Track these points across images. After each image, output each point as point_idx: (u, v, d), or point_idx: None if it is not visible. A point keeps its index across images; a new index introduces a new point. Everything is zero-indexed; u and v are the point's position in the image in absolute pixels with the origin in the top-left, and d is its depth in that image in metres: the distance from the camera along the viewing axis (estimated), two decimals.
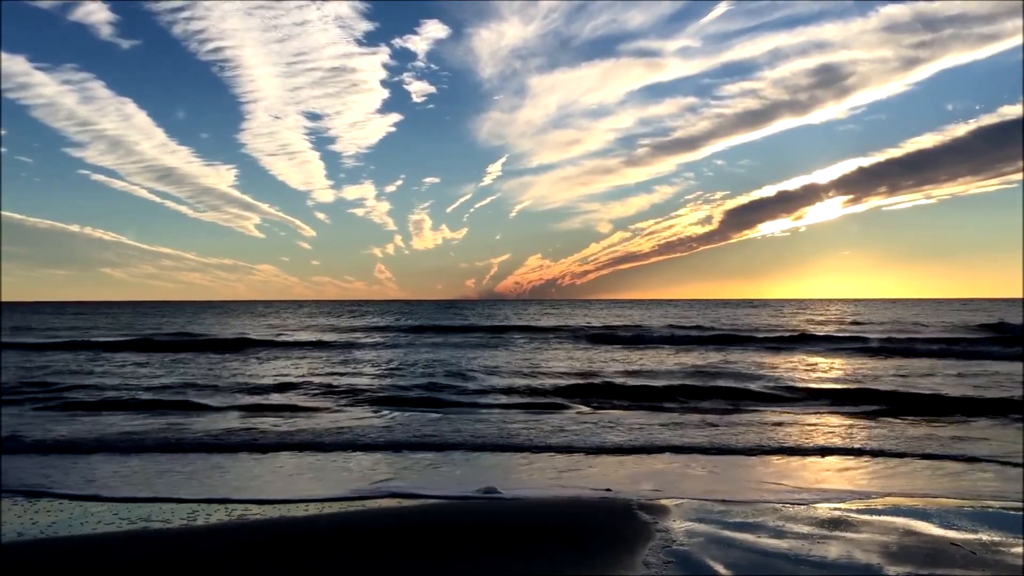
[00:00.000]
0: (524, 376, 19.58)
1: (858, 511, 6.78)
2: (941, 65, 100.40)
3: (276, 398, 15.79)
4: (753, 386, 17.02)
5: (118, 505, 7.07)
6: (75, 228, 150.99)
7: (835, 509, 6.86)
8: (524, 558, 5.53)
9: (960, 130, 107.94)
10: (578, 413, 13.63)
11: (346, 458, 9.51)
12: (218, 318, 65.20)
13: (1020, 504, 7.06)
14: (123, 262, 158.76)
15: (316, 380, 18.76)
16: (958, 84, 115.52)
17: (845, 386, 17.17)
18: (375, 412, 13.84)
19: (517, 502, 7.27)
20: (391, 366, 23.04)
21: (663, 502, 7.10)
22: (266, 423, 12.27)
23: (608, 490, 7.64)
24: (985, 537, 5.93)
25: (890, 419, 12.70)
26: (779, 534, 6.01)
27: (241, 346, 30.99)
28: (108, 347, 29.82)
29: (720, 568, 5.21)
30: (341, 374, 20.62)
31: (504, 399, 15.59)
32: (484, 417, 13.01)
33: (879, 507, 6.96)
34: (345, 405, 14.79)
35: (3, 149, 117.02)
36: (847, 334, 35.70)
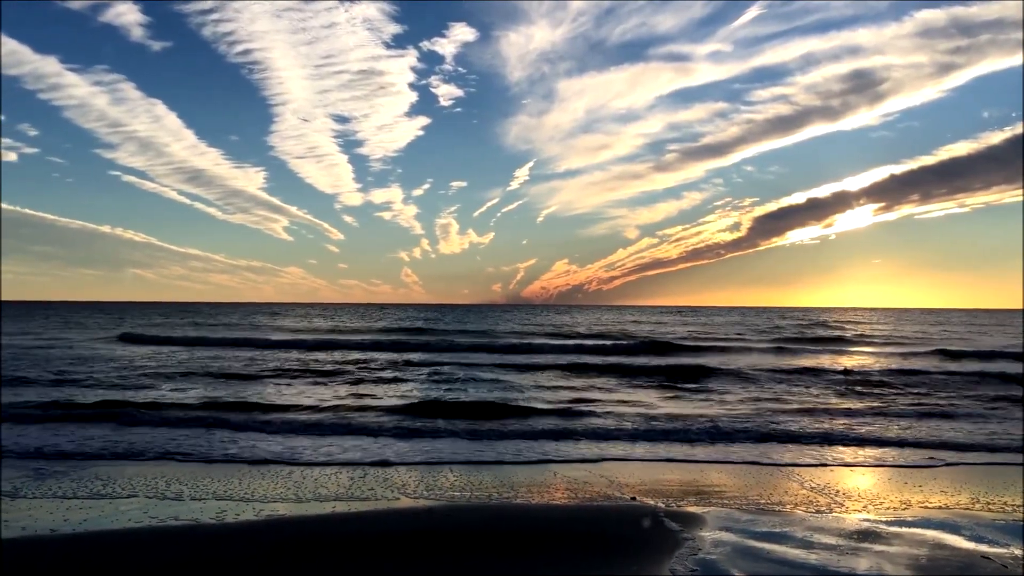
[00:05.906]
0: None
1: (887, 522, 6.70)
2: (977, 71, 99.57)
3: None
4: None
5: (147, 502, 7.18)
6: (106, 228, 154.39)
7: (864, 520, 6.79)
8: (549, 564, 5.54)
9: (995, 138, 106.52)
10: None
11: None
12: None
13: None
14: (153, 263, 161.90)
15: None
16: (994, 91, 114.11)
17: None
18: None
19: (542, 508, 7.28)
20: None
21: (691, 510, 7.07)
22: None
23: (633, 499, 7.62)
24: (1017, 551, 5.84)
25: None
26: (807, 545, 5.96)
27: None
28: None
29: None
30: None
31: None
32: None
33: (908, 519, 6.87)
34: None
35: (26, 147, 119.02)
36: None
